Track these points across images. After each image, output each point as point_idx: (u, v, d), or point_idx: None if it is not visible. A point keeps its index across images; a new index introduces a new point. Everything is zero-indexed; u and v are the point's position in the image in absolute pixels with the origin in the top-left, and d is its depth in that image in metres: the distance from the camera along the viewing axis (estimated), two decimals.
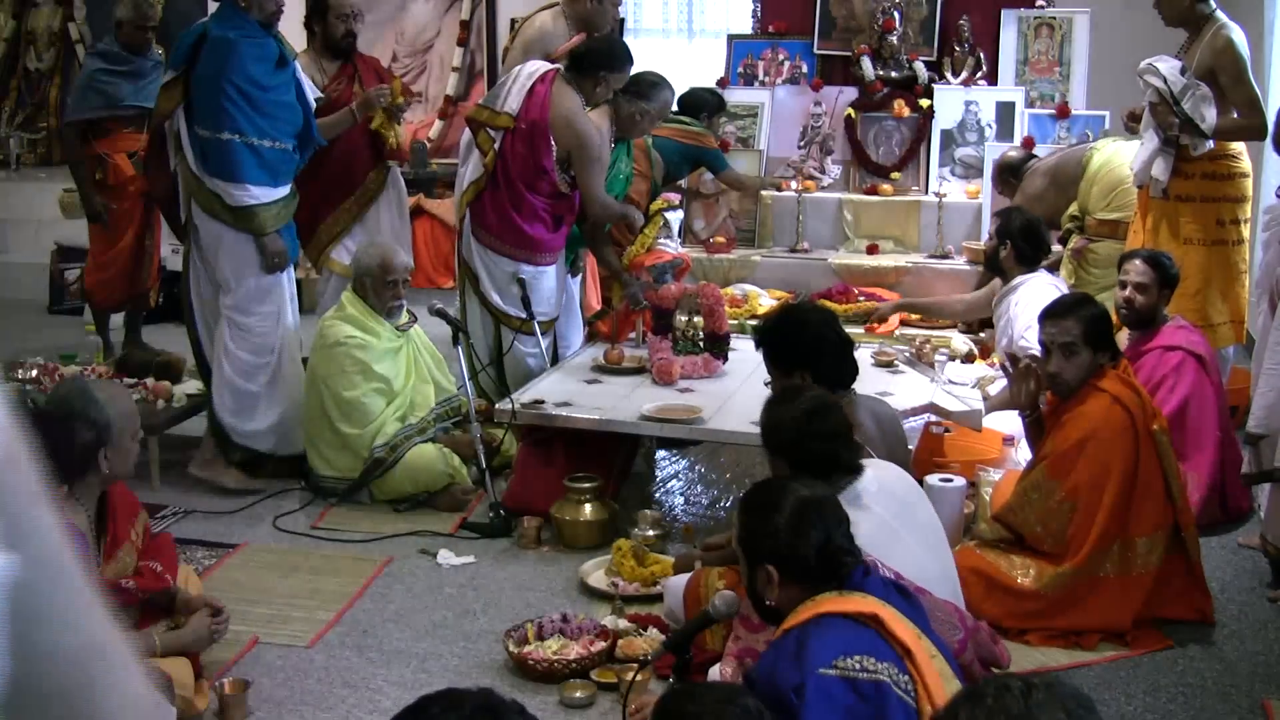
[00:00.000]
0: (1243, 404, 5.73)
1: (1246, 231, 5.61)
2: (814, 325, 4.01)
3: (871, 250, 7.18)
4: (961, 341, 5.97)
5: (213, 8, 5.46)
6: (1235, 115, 5.37)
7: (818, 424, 3.37)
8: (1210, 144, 5.36)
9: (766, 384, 4.13)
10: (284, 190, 5.21)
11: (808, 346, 3.94)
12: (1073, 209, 6.18)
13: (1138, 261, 5.00)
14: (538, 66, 5.60)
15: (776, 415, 3.45)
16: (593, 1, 5.99)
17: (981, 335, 6.15)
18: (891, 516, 3.40)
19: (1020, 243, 5.46)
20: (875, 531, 3.29)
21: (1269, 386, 4.64)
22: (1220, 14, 5.43)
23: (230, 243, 5.17)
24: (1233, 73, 5.33)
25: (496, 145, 5.52)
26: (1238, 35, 5.36)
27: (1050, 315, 4.22)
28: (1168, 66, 5.35)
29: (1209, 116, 5.29)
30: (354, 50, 6.13)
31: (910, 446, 4.46)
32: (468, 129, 5.70)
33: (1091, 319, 4.13)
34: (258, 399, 5.31)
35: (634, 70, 5.78)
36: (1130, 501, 4.05)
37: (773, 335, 4.04)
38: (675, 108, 6.81)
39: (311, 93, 5.30)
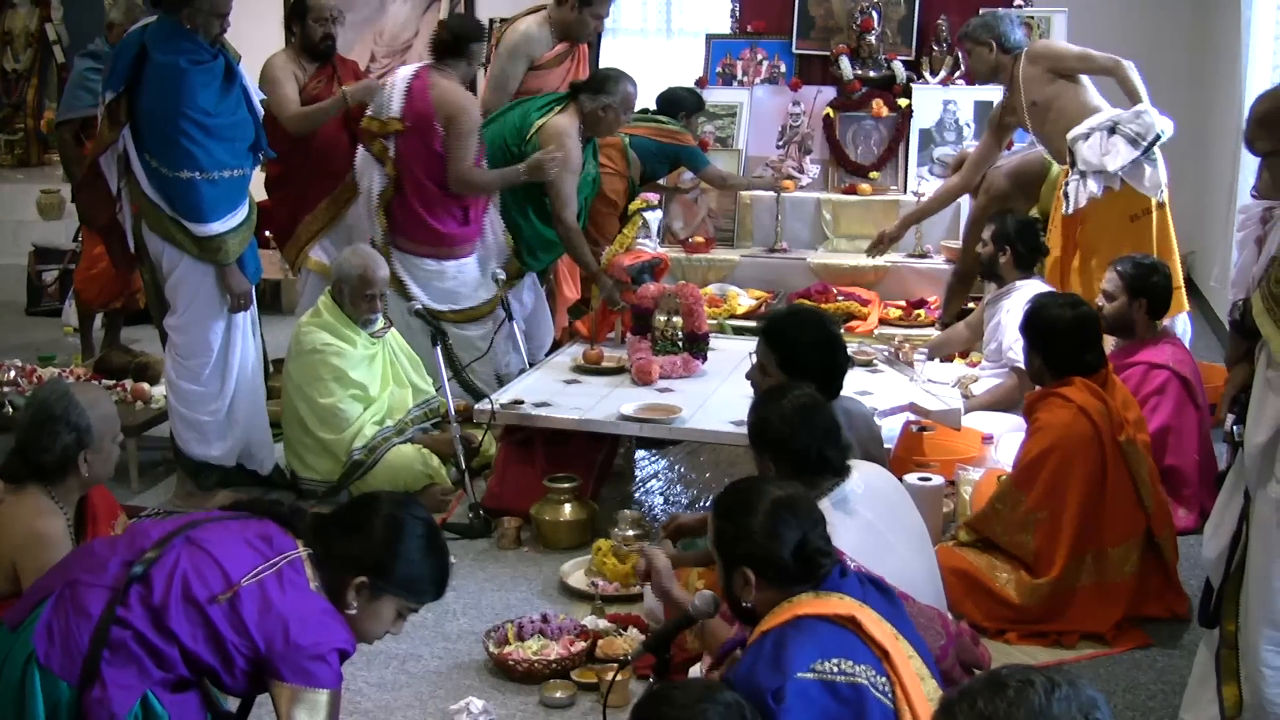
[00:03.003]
0: (1220, 401, 5.76)
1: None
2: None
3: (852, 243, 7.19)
4: None
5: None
6: (1122, 84, 5.53)
7: (809, 420, 3.39)
8: (1169, 132, 5.47)
9: (747, 377, 4.13)
10: (244, 211, 4.95)
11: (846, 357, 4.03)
12: (1034, 212, 6.18)
13: (1110, 269, 5.02)
14: (409, 69, 5.84)
15: (767, 412, 3.46)
16: (573, 10, 6.05)
17: None
18: (879, 520, 3.39)
19: (1020, 247, 5.46)
20: (863, 538, 3.28)
21: None
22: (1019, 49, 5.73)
23: (188, 269, 4.91)
24: (1062, 56, 5.66)
25: (391, 152, 5.69)
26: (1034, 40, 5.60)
27: None
28: (1090, 149, 5.45)
29: (1156, 126, 5.40)
30: (333, 52, 6.13)
31: (890, 446, 4.47)
32: (361, 146, 5.83)
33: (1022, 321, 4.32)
34: (209, 426, 5.08)
35: (606, 71, 5.94)
36: (1100, 512, 4.05)
37: (825, 344, 3.97)
38: (653, 107, 6.84)
39: (256, 96, 5.14)
